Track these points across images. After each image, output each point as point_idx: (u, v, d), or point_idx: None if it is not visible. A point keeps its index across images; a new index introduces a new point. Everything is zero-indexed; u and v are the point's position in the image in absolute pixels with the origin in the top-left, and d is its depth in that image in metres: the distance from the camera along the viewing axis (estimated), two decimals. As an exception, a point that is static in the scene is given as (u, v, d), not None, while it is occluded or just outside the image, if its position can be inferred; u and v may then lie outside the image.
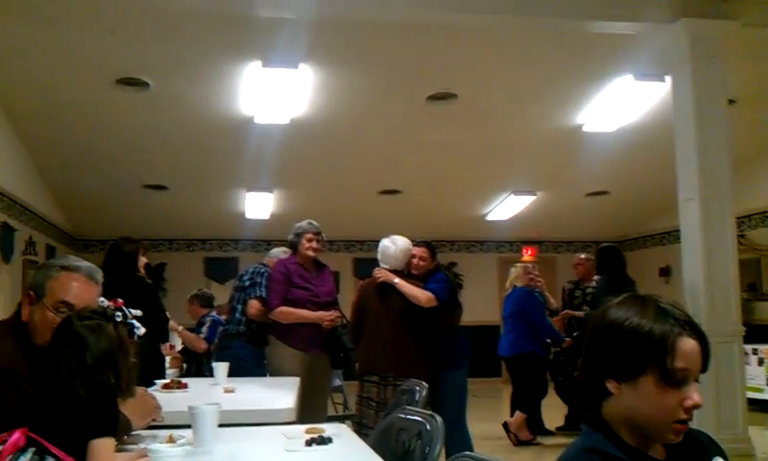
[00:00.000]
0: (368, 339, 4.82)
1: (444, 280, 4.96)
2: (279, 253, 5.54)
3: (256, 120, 7.81)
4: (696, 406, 1.45)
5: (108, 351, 1.96)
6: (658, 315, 1.45)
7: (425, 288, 4.81)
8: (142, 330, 2.18)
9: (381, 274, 4.88)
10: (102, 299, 2.20)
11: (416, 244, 5.09)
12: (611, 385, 1.48)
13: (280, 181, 10.18)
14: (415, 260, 5.02)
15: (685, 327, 1.45)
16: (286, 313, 4.90)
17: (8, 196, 8.06)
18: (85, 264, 2.32)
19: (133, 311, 2.16)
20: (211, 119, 7.90)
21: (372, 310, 4.85)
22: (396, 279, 4.80)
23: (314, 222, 5.10)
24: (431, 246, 5.16)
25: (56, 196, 10.21)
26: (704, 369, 1.47)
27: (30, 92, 7.26)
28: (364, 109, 7.90)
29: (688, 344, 1.44)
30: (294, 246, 5.11)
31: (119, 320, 2.06)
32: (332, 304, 5.03)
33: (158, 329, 4.45)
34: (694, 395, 1.45)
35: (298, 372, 4.65)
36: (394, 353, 4.67)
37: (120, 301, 2.16)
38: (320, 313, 4.89)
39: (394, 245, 4.97)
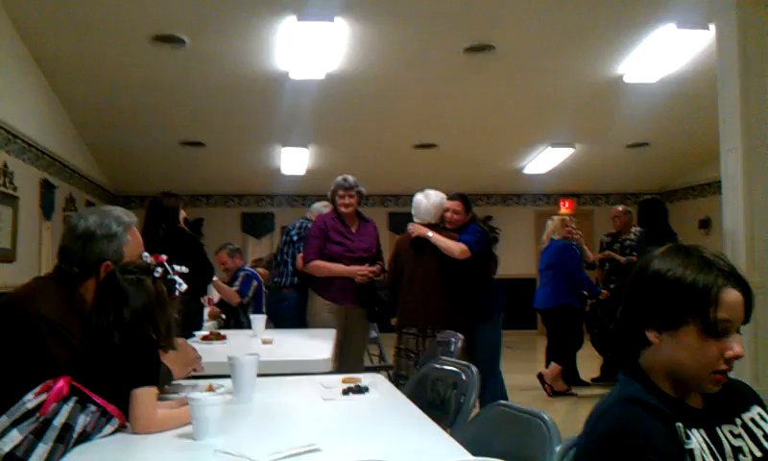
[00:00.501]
0: (405, 293, 4.83)
1: (477, 232, 4.92)
2: (321, 207, 5.62)
3: (291, 75, 7.77)
4: (737, 357, 1.44)
5: (146, 304, 2.00)
6: (702, 266, 1.44)
7: (459, 240, 4.80)
8: (184, 287, 2.20)
9: (415, 229, 4.88)
10: (145, 254, 2.21)
11: (450, 197, 5.07)
12: (651, 335, 1.47)
13: (316, 136, 10.16)
14: (448, 214, 5.00)
15: (729, 278, 1.44)
16: (320, 267, 4.94)
17: (48, 154, 8.18)
18: (130, 214, 2.35)
19: (178, 268, 2.17)
20: (247, 75, 7.89)
21: (408, 265, 4.85)
22: (430, 233, 4.78)
23: (349, 177, 5.08)
24: (465, 198, 5.13)
25: (95, 153, 10.34)
26: (746, 320, 1.46)
27: (68, 52, 7.30)
28: (400, 62, 7.81)
29: (732, 295, 1.42)
30: (332, 201, 5.14)
31: (158, 275, 2.09)
32: (369, 259, 5.04)
33: (200, 282, 4.51)
34: (735, 346, 1.44)
35: (334, 324, 4.72)
36: (431, 306, 4.68)
37: (162, 256, 2.18)
38: (353, 268, 4.91)
39: (426, 199, 4.95)
